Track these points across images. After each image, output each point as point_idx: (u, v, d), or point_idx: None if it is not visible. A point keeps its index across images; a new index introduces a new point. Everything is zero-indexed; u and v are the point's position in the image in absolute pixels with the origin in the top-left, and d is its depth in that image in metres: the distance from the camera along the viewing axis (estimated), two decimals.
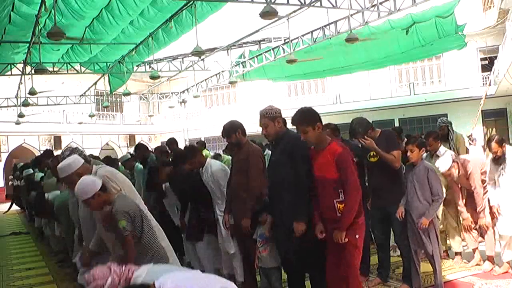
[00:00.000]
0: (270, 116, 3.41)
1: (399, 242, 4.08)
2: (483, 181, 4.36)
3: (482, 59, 21.32)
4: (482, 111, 19.56)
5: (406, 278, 4.01)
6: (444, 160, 4.29)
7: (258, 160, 3.82)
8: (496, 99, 19.41)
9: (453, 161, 4.30)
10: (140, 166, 6.18)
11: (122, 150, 26.04)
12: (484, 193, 4.31)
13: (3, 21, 8.50)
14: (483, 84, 20.22)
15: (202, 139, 26.96)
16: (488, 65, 20.55)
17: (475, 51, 21.07)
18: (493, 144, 4.17)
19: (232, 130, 3.88)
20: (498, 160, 4.19)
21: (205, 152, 9.94)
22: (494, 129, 20.24)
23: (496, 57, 18.73)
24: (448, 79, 21.69)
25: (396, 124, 22.69)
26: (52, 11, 7.71)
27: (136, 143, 26.56)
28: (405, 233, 3.94)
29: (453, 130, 5.92)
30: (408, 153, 3.86)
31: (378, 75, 22.18)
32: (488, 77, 19.69)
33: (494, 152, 4.18)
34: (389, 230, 4.17)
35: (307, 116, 3.12)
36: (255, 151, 3.87)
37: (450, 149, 5.92)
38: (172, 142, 7.05)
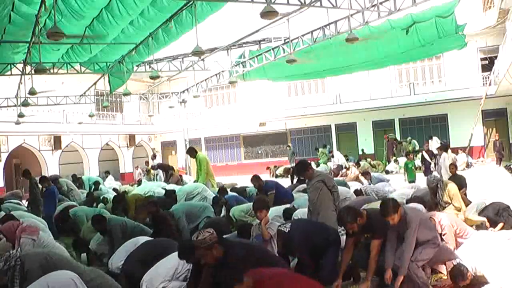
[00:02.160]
0: (206, 246, 3.19)
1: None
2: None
3: (482, 59, 21.29)
4: (482, 111, 19.60)
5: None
6: None
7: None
8: (496, 99, 19.43)
9: None
10: None
11: (122, 150, 26.06)
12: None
13: (3, 21, 8.50)
14: (483, 84, 20.23)
15: (202, 139, 27.11)
16: (488, 65, 20.54)
17: (475, 51, 21.05)
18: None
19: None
20: None
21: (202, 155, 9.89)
22: (494, 129, 20.24)
23: (496, 57, 18.72)
24: (448, 79, 21.67)
25: (396, 123, 22.73)
26: (52, 11, 7.71)
27: (136, 143, 26.69)
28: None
29: (442, 183, 5.89)
30: (390, 222, 4.08)
31: (378, 75, 22.16)
32: (488, 77, 19.71)
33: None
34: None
35: None
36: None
37: (438, 204, 5.90)
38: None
